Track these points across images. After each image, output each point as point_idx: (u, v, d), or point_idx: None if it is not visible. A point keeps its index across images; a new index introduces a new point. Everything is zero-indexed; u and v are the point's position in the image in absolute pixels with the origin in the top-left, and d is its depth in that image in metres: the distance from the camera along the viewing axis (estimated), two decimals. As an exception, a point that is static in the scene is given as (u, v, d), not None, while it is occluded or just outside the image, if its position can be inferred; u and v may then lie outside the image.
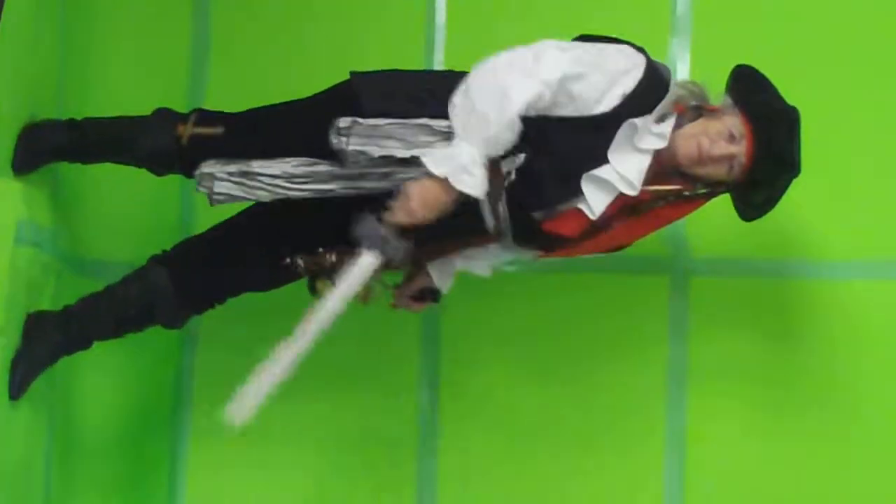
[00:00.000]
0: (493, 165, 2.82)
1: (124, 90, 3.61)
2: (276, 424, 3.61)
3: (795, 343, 3.56)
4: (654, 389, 3.60)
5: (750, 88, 2.91)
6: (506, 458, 3.63)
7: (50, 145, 3.16)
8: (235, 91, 3.50)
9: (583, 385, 3.62)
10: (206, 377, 3.66)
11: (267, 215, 3.04)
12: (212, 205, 2.98)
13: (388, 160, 2.85)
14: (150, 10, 3.72)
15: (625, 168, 2.82)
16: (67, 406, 3.43)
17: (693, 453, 3.58)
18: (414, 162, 2.81)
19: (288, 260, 2.96)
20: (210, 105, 3.24)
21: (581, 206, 2.84)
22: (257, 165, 2.93)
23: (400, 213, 2.78)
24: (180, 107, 3.17)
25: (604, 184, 2.83)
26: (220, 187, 2.94)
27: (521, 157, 2.83)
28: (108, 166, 3.22)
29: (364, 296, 2.95)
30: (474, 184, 2.76)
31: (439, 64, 3.66)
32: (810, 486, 3.55)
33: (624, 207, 2.89)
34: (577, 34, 3.54)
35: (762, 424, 3.58)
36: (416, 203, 2.77)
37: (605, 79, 2.82)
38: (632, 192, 2.83)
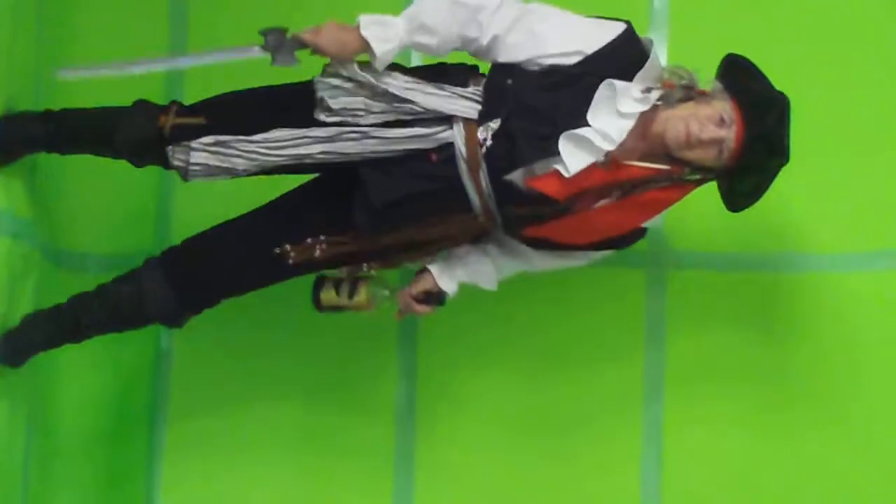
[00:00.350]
0: (470, 133, 2.86)
1: (101, 85, 3.58)
2: (252, 427, 3.64)
3: (776, 337, 3.56)
4: (631, 384, 3.60)
5: (741, 75, 2.91)
6: (483, 454, 3.63)
7: (26, 136, 3.14)
8: (213, 84, 3.49)
9: (560, 379, 3.61)
10: (183, 383, 3.65)
11: (261, 215, 3.06)
12: (186, 179, 2.96)
13: (363, 115, 2.88)
14: (127, 4, 3.71)
15: (604, 126, 2.82)
16: (45, 410, 3.41)
17: (670, 449, 3.58)
18: (390, 124, 2.87)
19: (277, 250, 2.96)
20: (188, 99, 3.23)
21: (558, 166, 2.83)
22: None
23: (307, 31, 2.87)
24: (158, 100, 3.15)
25: (581, 141, 2.83)
26: (197, 158, 2.94)
27: (497, 122, 2.86)
28: (86, 158, 3.20)
29: (369, 303, 2.97)
30: (381, 36, 2.83)
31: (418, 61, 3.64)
32: (790, 478, 3.55)
33: (612, 184, 2.88)
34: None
35: (741, 420, 3.57)
36: (325, 31, 2.85)
37: (571, 30, 2.89)
38: (609, 146, 2.82)
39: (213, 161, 2.94)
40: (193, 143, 2.94)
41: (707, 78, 2.92)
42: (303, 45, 2.88)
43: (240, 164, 2.93)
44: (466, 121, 2.89)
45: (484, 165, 2.88)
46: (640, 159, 2.88)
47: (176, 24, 3.71)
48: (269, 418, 3.62)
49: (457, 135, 2.89)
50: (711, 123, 2.83)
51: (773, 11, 3.60)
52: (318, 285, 3.01)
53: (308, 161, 2.92)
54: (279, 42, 2.89)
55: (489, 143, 2.87)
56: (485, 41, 2.87)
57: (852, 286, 3.55)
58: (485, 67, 2.97)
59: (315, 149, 2.91)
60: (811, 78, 3.54)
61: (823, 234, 3.56)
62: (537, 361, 3.62)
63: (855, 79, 3.58)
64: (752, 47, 3.50)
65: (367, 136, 2.89)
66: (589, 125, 2.83)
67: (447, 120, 2.89)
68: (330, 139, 2.90)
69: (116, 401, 3.63)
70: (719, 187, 2.98)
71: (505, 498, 3.61)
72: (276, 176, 3.07)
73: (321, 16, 3.59)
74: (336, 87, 2.89)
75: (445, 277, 3.05)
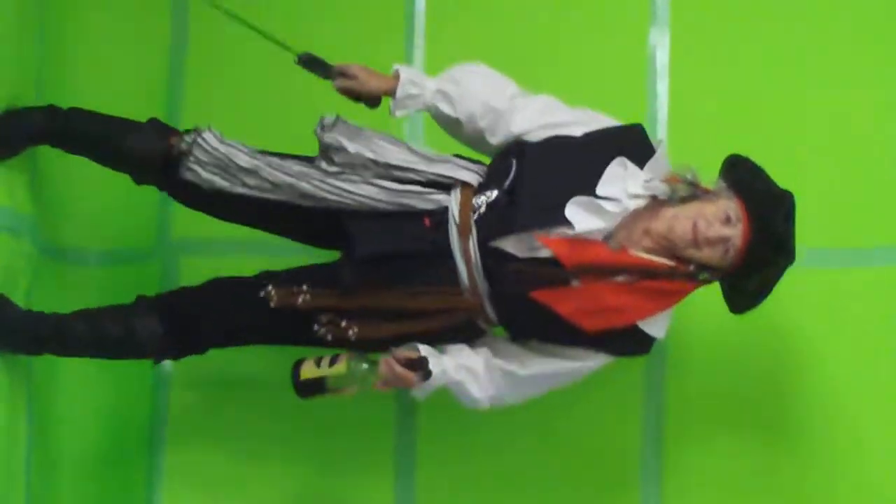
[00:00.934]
0: (465, 199, 2.89)
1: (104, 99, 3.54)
2: (251, 449, 3.61)
3: (772, 332, 3.51)
4: (631, 386, 3.55)
5: (745, 174, 2.90)
6: (481, 477, 3.59)
7: (30, 128, 3.13)
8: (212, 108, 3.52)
9: (555, 410, 3.51)
10: (182, 405, 3.64)
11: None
12: (185, 166, 2.95)
13: (362, 166, 2.92)
14: (128, 17, 3.71)
15: (613, 197, 2.83)
16: (46, 433, 3.38)
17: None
18: (386, 175, 2.91)
19: (262, 293, 2.93)
20: (187, 115, 3.34)
21: (563, 229, 2.82)
22: None
23: (350, 65, 2.95)
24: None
25: (590, 205, 2.82)
26: (208, 136, 2.95)
27: (495, 192, 2.89)
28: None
29: (348, 374, 2.86)
30: (411, 76, 2.93)
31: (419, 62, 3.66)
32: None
33: (618, 266, 2.84)
34: (556, 23, 3.60)
35: (740, 423, 3.51)
36: (363, 69, 2.94)
37: (585, 109, 2.97)
38: (617, 210, 2.82)
39: (220, 147, 2.94)
40: (214, 129, 2.99)
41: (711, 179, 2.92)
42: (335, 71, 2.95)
43: (242, 160, 2.93)
44: (464, 187, 2.92)
45: (474, 231, 2.87)
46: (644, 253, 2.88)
47: (178, 23, 3.71)
48: (269, 440, 3.60)
49: (452, 199, 2.91)
50: (718, 222, 2.81)
51: (774, 9, 3.57)
52: (296, 366, 2.90)
53: (304, 188, 2.92)
54: (313, 60, 3.00)
55: (483, 209, 2.88)
56: (504, 107, 2.92)
57: (849, 282, 3.50)
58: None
59: (316, 175, 2.93)
60: (810, 73, 3.53)
61: (821, 229, 3.50)
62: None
63: (853, 75, 3.54)
64: (752, 46, 3.56)
65: (365, 181, 2.91)
66: (596, 196, 2.84)
67: (446, 188, 2.92)
68: (332, 175, 2.92)
69: (116, 423, 3.62)
70: (722, 288, 2.95)
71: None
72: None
73: (321, 16, 3.66)
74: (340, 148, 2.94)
75: (433, 359, 2.92)
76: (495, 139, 2.94)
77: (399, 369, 2.85)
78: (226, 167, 2.95)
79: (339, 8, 3.68)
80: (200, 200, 3.09)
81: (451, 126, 2.97)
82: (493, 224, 2.86)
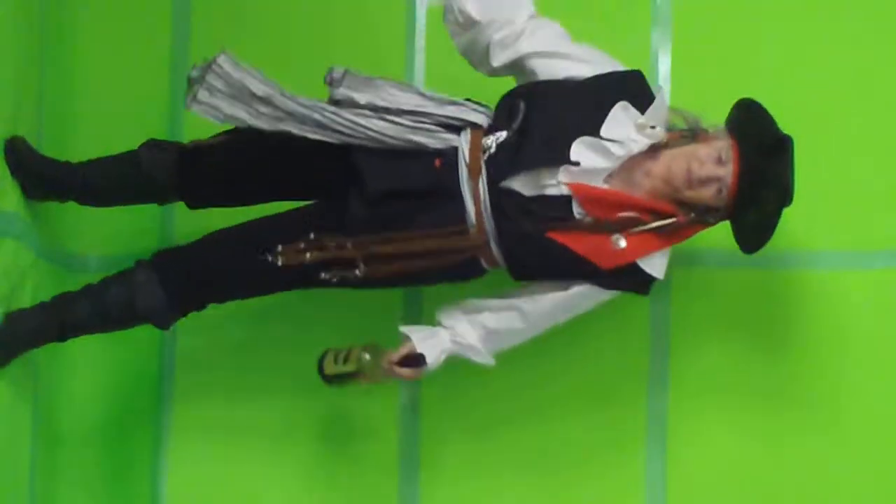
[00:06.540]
0: (475, 140, 2.94)
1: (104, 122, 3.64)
2: (256, 417, 3.63)
3: (775, 335, 3.54)
4: (636, 384, 3.59)
5: (745, 115, 2.97)
6: (484, 461, 3.62)
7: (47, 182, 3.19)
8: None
9: (562, 386, 3.59)
10: (187, 374, 3.65)
11: (256, 221, 3.09)
12: (197, 90, 2.92)
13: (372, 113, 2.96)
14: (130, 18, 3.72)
15: (617, 139, 2.90)
16: (50, 400, 3.41)
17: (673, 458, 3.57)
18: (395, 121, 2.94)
19: (270, 257, 2.98)
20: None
21: (569, 166, 2.89)
22: None
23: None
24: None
25: (595, 145, 2.90)
26: (222, 61, 2.93)
27: (504, 134, 2.94)
28: (88, 154, 3.24)
29: (357, 367, 3.02)
30: None
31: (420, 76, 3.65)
32: (793, 484, 3.53)
33: (627, 203, 2.92)
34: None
35: (744, 426, 3.55)
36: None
37: (590, 47, 3.04)
38: (623, 153, 2.89)
39: (234, 73, 2.92)
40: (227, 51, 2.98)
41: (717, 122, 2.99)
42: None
43: (256, 87, 2.92)
44: (474, 129, 2.96)
45: (484, 171, 2.93)
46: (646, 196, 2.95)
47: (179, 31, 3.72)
48: (274, 408, 3.61)
49: (463, 140, 2.95)
50: (710, 162, 2.89)
51: (777, 12, 3.59)
52: (321, 360, 3.09)
53: (317, 118, 2.92)
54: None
55: (493, 150, 2.94)
56: (519, 24, 3.00)
57: (852, 284, 3.52)
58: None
59: (329, 108, 2.94)
60: (814, 76, 3.55)
61: (824, 231, 3.53)
62: (539, 364, 3.56)
63: (859, 77, 3.57)
64: (755, 44, 3.55)
65: (378, 116, 2.94)
66: (600, 137, 2.91)
67: (456, 130, 2.97)
68: (344, 105, 2.95)
69: (121, 391, 3.64)
70: (733, 230, 3.01)
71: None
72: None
73: (321, 14, 3.65)
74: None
75: (427, 344, 3.04)
76: (500, 58, 3.02)
77: (398, 370, 3.02)
78: (238, 95, 2.93)
79: (340, 11, 3.68)
80: (212, 190, 3.18)
81: (465, 28, 3.06)
82: (502, 165, 2.92)
